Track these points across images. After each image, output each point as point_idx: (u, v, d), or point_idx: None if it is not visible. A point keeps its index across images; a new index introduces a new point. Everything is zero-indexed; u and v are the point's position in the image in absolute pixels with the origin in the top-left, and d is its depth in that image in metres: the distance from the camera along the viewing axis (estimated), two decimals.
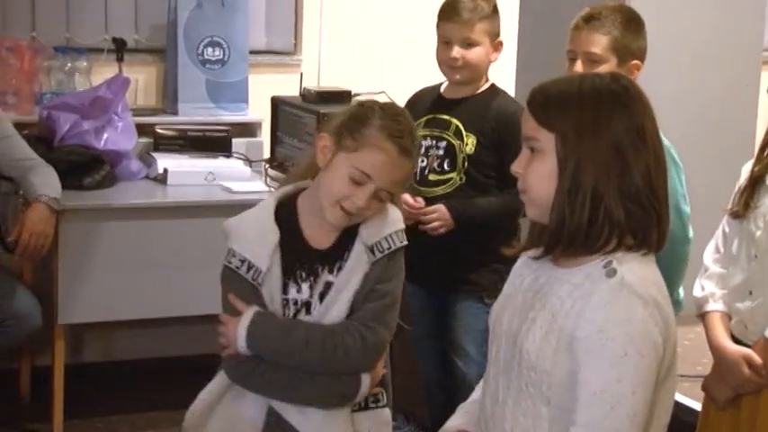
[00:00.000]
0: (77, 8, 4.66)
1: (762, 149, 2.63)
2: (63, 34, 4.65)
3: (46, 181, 3.81)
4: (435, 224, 3.32)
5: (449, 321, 3.46)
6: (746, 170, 2.65)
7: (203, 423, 2.41)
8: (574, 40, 2.96)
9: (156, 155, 4.40)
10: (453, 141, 3.37)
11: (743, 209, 2.60)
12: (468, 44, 3.35)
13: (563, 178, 1.85)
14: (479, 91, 3.42)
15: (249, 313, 2.32)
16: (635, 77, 2.86)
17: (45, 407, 4.07)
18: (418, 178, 3.39)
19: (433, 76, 3.49)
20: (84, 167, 4.12)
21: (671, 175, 2.57)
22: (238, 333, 2.31)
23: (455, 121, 3.38)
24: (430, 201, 3.36)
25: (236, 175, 4.30)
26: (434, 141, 3.39)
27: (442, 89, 3.49)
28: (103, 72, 4.54)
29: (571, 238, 1.85)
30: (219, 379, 2.41)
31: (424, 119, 3.42)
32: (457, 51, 3.35)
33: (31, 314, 3.89)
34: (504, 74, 3.89)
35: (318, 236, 2.37)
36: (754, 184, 2.60)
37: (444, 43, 3.39)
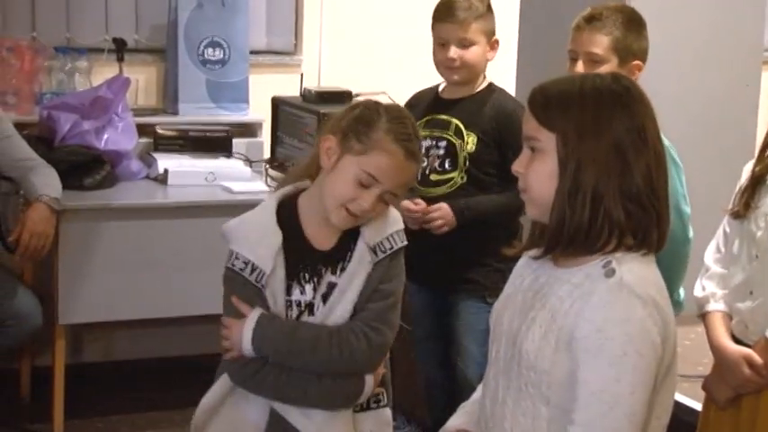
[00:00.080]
0: (78, 8, 4.67)
1: (762, 149, 2.63)
2: (63, 34, 4.65)
3: (46, 181, 3.81)
4: (438, 222, 3.31)
5: (450, 321, 3.46)
6: (747, 170, 2.65)
7: (206, 426, 2.40)
8: (575, 40, 2.96)
9: (156, 155, 4.41)
10: (454, 141, 3.37)
11: (744, 209, 2.60)
12: (465, 44, 3.35)
13: (563, 178, 1.85)
14: (478, 90, 3.42)
15: (254, 315, 2.30)
16: (636, 78, 2.86)
17: (45, 407, 4.07)
18: (419, 179, 3.39)
19: (433, 75, 3.49)
20: (84, 167, 4.12)
21: (671, 175, 2.56)
22: (243, 335, 2.29)
23: (455, 120, 3.38)
24: (431, 201, 3.35)
25: (237, 176, 4.30)
26: (434, 141, 3.39)
27: (440, 90, 3.49)
28: (104, 72, 4.54)
29: (571, 237, 1.85)
30: (222, 382, 2.40)
31: (424, 120, 3.42)
32: (454, 52, 3.35)
33: (31, 314, 3.89)
34: (504, 74, 3.89)
35: (320, 237, 2.37)
36: (754, 184, 2.60)
37: (440, 45, 3.39)
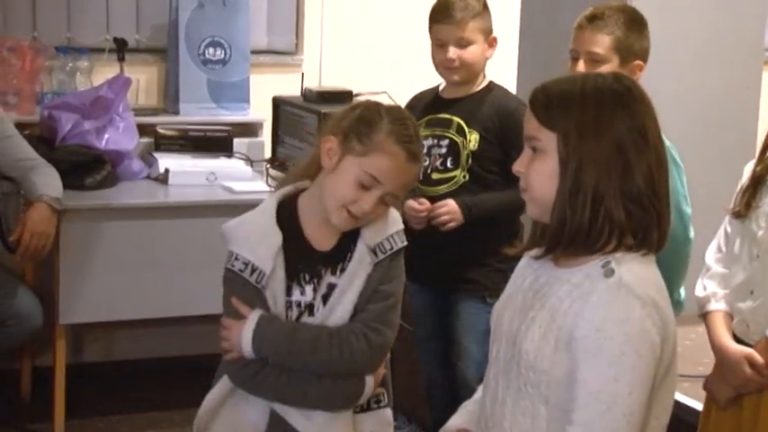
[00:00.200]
0: (78, 8, 4.67)
1: (763, 149, 2.63)
2: (64, 34, 4.66)
3: (47, 181, 3.81)
4: (445, 218, 3.31)
5: (450, 321, 3.46)
6: (748, 170, 2.65)
7: (207, 428, 2.40)
8: (577, 39, 2.96)
9: (157, 155, 4.41)
10: (456, 139, 3.37)
11: (745, 209, 2.60)
12: (463, 44, 3.35)
13: (564, 178, 1.85)
14: (479, 89, 3.43)
15: (254, 317, 2.30)
16: (637, 78, 2.85)
17: (46, 407, 4.07)
18: (421, 178, 3.39)
19: (434, 75, 3.49)
20: (85, 167, 4.12)
21: (672, 175, 2.56)
22: (243, 337, 2.29)
23: (456, 118, 3.38)
24: (434, 199, 3.36)
25: (238, 175, 4.30)
26: (436, 140, 3.39)
27: (440, 90, 3.49)
28: (105, 72, 4.54)
29: (572, 237, 1.85)
30: (222, 383, 2.39)
31: (425, 119, 3.42)
32: (453, 52, 3.35)
33: (32, 314, 3.89)
34: (505, 73, 3.89)
35: (320, 237, 2.36)
36: (755, 183, 2.60)
37: (439, 46, 3.39)
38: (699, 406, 2.85)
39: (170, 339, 4.68)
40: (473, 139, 3.36)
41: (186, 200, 4.11)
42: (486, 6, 3.40)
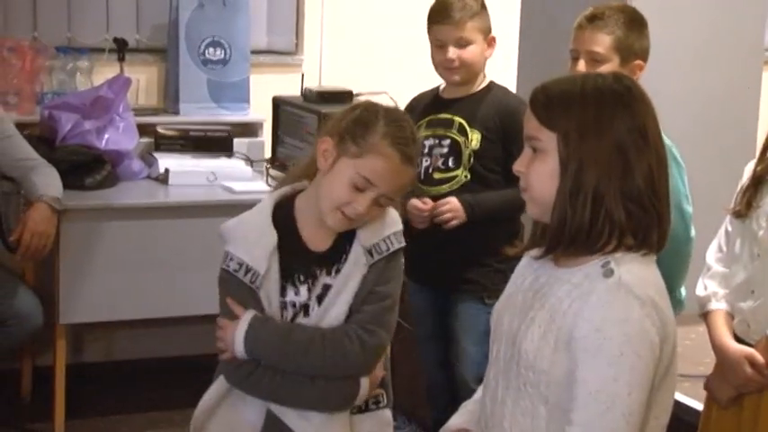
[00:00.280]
0: (79, 8, 4.67)
1: (764, 149, 2.63)
2: (64, 34, 4.66)
3: (47, 181, 3.81)
4: (447, 216, 3.31)
5: (450, 321, 3.46)
6: (749, 169, 2.65)
7: (204, 427, 2.40)
8: (577, 39, 2.96)
9: (157, 155, 4.41)
10: (458, 138, 3.37)
11: (745, 208, 2.61)
12: (462, 44, 3.35)
13: (565, 178, 1.85)
14: (479, 88, 3.43)
15: (247, 317, 2.30)
16: (638, 77, 2.85)
17: (46, 407, 4.07)
18: (422, 177, 3.40)
19: (434, 75, 3.49)
20: (85, 167, 4.12)
21: (673, 174, 2.56)
22: (236, 338, 2.29)
23: (458, 118, 3.38)
24: (436, 199, 3.36)
25: (238, 175, 4.30)
26: (438, 140, 3.39)
27: (440, 90, 3.49)
28: (105, 72, 4.54)
29: (572, 237, 1.85)
30: (219, 383, 2.40)
31: (425, 120, 3.43)
32: (452, 52, 3.35)
33: (32, 314, 3.89)
34: (505, 73, 3.89)
35: (316, 238, 2.36)
36: (756, 183, 2.60)
37: (438, 46, 3.39)
38: (699, 406, 2.85)
39: (170, 339, 4.68)
40: (475, 138, 3.36)
41: (186, 200, 4.11)
42: (484, 6, 3.41)
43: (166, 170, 4.26)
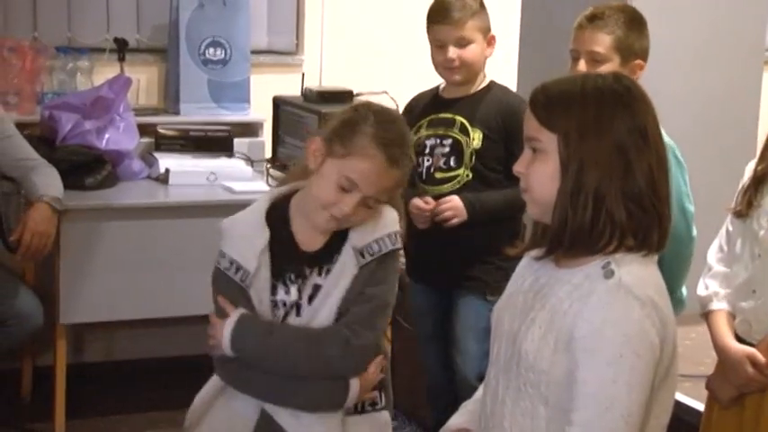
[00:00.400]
0: (79, 8, 4.67)
1: (765, 148, 2.63)
2: (65, 34, 4.65)
3: (48, 181, 3.81)
4: (448, 214, 3.31)
5: (451, 318, 3.46)
6: (750, 169, 2.65)
7: (200, 420, 2.42)
8: (577, 39, 2.96)
9: (157, 155, 4.41)
10: (460, 138, 3.37)
11: (746, 208, 2.61)
12: (463, 43, 3.35)
13: (565, 179, 1.85)
14: (480, 87, 3.43)
15: (234, 316, 2.32)
16: (638, 77, 2.86)
17: (46, 406, 4.07)
18: (424, 177, 3.40)
19: (434, 75, 3.49)
20: (85, 167, 4.12)
21: (674, 174, 2.57)
22: (223, 335, 2.31)
23: (459, 117, 3.38)
24: (437, 198, 3.36)
25: (238, 175, 4.30)
26: (439, 140, 3.39)
27: (440, 90, 3.49)
28: (105, 72, 4.54)
29: (573, 238, 1.85)
30: (215, 379, 2.42)
31: (426, 120, 3.43)
32: (452, 52, 3.35)
33: (32, 314, 3.89)
34: (505, 73, 3.89)
35: (309, 238, 2.36)
36: (757, 183, 2.60)
37: (438, 46, 3.38)
38: (699, 406, 2.85)
39: (170, 339, 4.68)
40: (476, 137, 3.36)
41: (186, 200, 4.11)
42: (483, 5, 3.40)
43: (167, 170, 4.26)
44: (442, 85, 3.49)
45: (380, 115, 2.34)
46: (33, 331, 3.92)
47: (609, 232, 1.84)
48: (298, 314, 2.34)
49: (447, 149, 3.38)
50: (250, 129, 4.75)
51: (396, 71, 4.89)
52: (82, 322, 4.20)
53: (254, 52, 4.81)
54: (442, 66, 3.40)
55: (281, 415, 2.33)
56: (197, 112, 4.64)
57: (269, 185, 4.20)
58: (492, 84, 3.45)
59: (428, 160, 3.39)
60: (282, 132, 4.57)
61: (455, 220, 3.31)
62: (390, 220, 2.38)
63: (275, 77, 4.86)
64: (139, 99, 4.69)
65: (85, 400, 4.28)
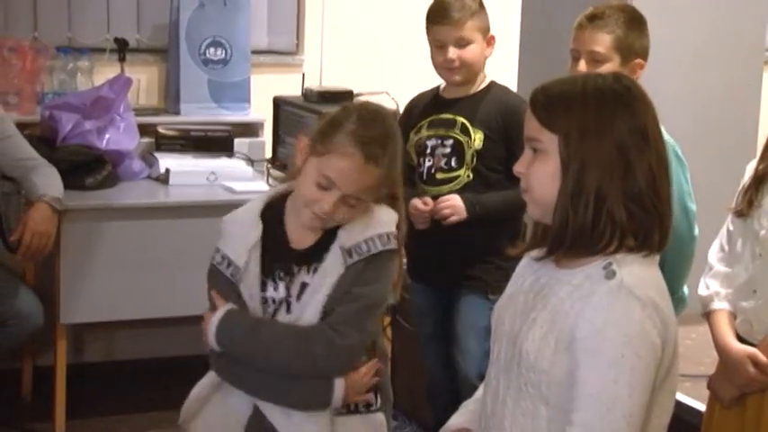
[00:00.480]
0: (79, 8, 4.67)
1: (765, 148, 2.63)
2: (65, 34, 4.66)
3: (48, 181, 3.81)
4: (447, 212, 3.31)
5: (452, 317, 3.46)
6: (750, 169, 2.65)
7: (197, 414, 2.44)
8: (577, 38, 2.96)
9: (158, 155, 4.41)
10: (461, 138, 3.37)
11: (747, 207, 2.60)
12: (462, 44, 3.35)
13: (566, 179, 1.84)
14: (480, 88, 3.43)
15: (221, 311, 2.35)
16: (638, 77, 2.86)
17: (47, 406, 4.07)
18: (425, 178, 3.40)
19: (434, 75, 3.49)
20: (86, 167, 4.12)
21: (676, 172, 2.56)
22: (210, 330, 2.35)
23: (460, 118, 3.38)
24: (437, 199, 3.36)
25: (238, 175, 4.30)
26: (440, 140, 3.39)
27: (440, 90, 3.49)
28: (105, 72, 4.54)
29: (574, 239, 1.85)
30: (212, 373, 2.45)
31: (427, 120, 3.43)
32: (453, 52, 3.35)
33: (32, 314, 3.89)
34: (505, 73, 3.89)
35: (300, 236, 2.37)
36: (758, 182, 2.60)
37: (438, 47, 3.38)
38: (699, 405, 2.85)
39: (170, 339, 4.68)
40: (478, 138, 3.36)
41: (187, 200, 4.11)
42: (482, 5, 3.40)
43: (167, 170, 4.26)
44: (443, 86, 3.49)
45: (364, 114, 2.34)
46: (33, 331, 3.92)
47: (610, 233, 1.84)
48: (288, 311, 2.35)
49: (448, 150, 3.39)
50: (250, 129, 4.75)
51: (396, 71, 4.89)
52: (82, 322, 4.20)
53: (254, 52, 4.81)
54: (441, 66, 3.40)
55: (273, 412, 2.34)
56: (197, 112, 4.64)
57: (269, 185, 4.20)
58: (492, 84, 3.45)
59: (429, 161, 3.40)
60: (283, 132, 4.57)
61: (454, 218, 3.31)
62: (385, 221, 2.37)
63: (275, 77, 4.86)
64: (140, 99, 4.69)
65: (85, 400, 4.28)
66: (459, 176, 3.38)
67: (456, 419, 2.11)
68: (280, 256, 2.36)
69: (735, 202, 2.66)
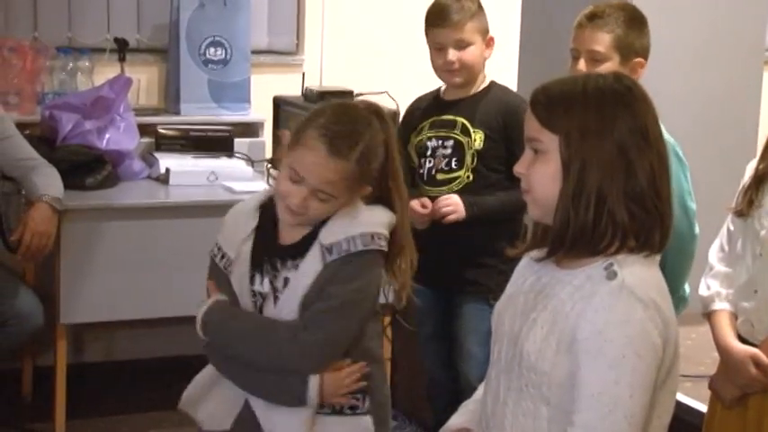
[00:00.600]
0: (79, 8, 4.67)
1: (766, 148, 2.63)
2: (65, 34, 4.66)
3: (48, 181, 3.81)
4: (447, 210, 3.31)
5: (453, 322, 3.46)
6: (751, 168, 2.64)
7: (201, 399, 2.46)
8: (577, 38, 2.96)
9: (158, 155, 4.41)
10: (461, 139, 3.37)
11: (747, 207, 2.60)
12: (462, 46, 3.34)
13: (567, 180, 1.84)
14: (480, 88, 3.43)
15: (210, 300, 2.39)
16: (638, 76, 2.85)
17: (47, 406, 4.07)
18: (425, 178, 3.40)
19: (434, 75, 3.49)
20: (86, 167, 4.12)
21: (676, 172, 2.56)
22: (197, 319, 2.39)
23: (460, 119, 3.38)
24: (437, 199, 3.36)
25: (238, 175, 4.30)
26: (441, 141, 3.40)
27: (441, 92, 3.49)
28: (106, 72, 4.54)
29: (575, 239, 1.85)
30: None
31: (428, 122, 3.43)
32: (452, 55, 3.34)
33: (33, 314, 3.89)
34: (505, 73, 3.89)
35: (290, 232, 2.39)
36: (758, 182, 2.60)
37: (438, 49, 3.38)
38: (699, 405, 2.84)
39: (170, 339, 4.68)
40: (478, 138, 3.36)
41: (187, 200, 4.11)
42: (480, 6, 3.40)
43: (167, 170, 4.26)
44: (443, 88, 3.49)
45: (336, 109, 2.37)
46: (33, 331, 3.92)
47: (611, 233, 1.84)
48: (274, 305, 2.37)
49: (449, 151, 3.39)
50: (250, 129, 4.75)
51: (396, 71, 4.89)
52: (82, 322, 4.20)
53: (254, 52, 4.81)
54: (441, 69, 3.40)
55: (257, 403, 2.37)
56: (197, 112, 4.64)
57: (269, 186, 4.20)
58: (492, 84, 3.45)
59: (430, 162, 3.40)
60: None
61: (453, 216, 3.31)
62: (372, 222, 2.36)
63: (276, 77, 4.86)
64: (140, 99, 4.69)
65: (86, 400, 4.28)
66: (459, 177, 3.38)
67: (456, 419, 2.11)
68: (268, 251, 2.38)
69: (735, 201, 2.66)
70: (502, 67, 3.79)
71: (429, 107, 3.48)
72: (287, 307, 2.34)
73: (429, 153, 3.40)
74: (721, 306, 2.65)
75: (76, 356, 4.53)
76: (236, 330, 2.36)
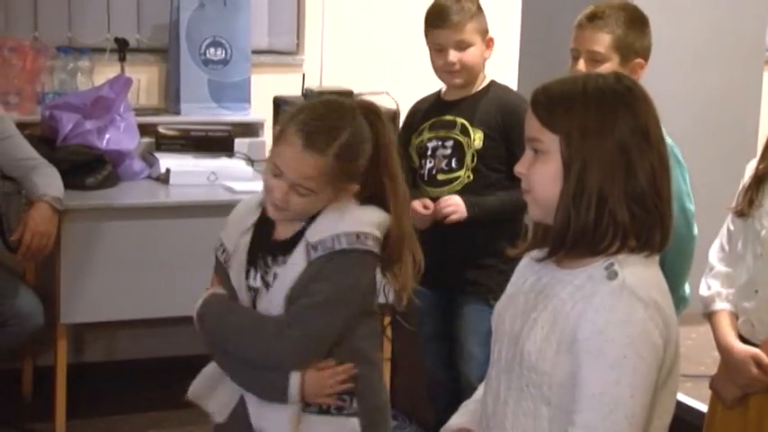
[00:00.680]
0: (79, 8, 4.67)
1: (766, 148, 2.63)
2: (65, 34, 4.66)
3: (48, 181, 3.81)
4: (448, 210, 3.31)
5: (454, 323, 3.46)
6: (751, 168, 2.64)
7: (211, 391, 2.47)
8: (577, 38, 2.96)
9: (158, 155, 4.41)
10: (461, 139, 3.37)
11: (747, 207, 2.60)
12: (462, 46, 3.34)
13: (568, 180, 1.84)
14: (480, 88, 3.43)
15: (207, 294, 2.43)
16: (639, 77, 2.85)
17: (47, 406, 4.07)
18: (426, 179, 3.40)
19: (435, 76, 3.49)
20: (86, 167, 4.12)
21: (675, 174, 2.56)
22: (195, 311, 2.42)
23: (460, 119, 3.39)
24: (437, 200, 3.36)
25: (239, 175, 4.30)
26: (441, 142, 3.40)
27: (442, 93, 3.49)
28: (106, 72, 4.55)
29: (576, 239, 1.85)
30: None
31: (429, 122, 3.43)
32: (453, 55, 3.34)
33: (33, 314, 3.89)
34: (505, 73, 3.89)
35: (284, 228, 2.40)
36: (758, 182, 2.60)
37: (438, 50, 3.38)
38: (700, 406, 2.84)
39: (170, 339, 4.68)
40: (477, 137, 3.36)
41: (187, 200, 4.11)
42: (480, 7, 3.40)
43: (167, 170, 4.26)
44: (444, 89, 3.49)
45: (319, 105, 2.40)
46: (34, 331, 3.92)
47: (612, 233, 1.84)
48: (266, 300, 2.38)
49: (449, 151, 3.39)
50: (251, 129, 4.75)
51: (396, 71, 4.89)
52: (82, 322, 4.21)
53: (254, 52, 4.81)
54: (442, 70, 3.40)
55: (251, 402, 2.39)
56: (197, 112, 4.64)
57: None
58: (492, 83, 3.45)
59: (430, 162, 3.40)
60: None
61: (455, 217, 3.31)
62: (362, 221, 2.35)
63: (276, 77, 4.86)
64: (140, 99, 4.69)
65: (86, 400, 4.28)
66: (459, 177, 3.38)
67: (456, 419, 2.11)
68: (262, 247, 2.39)
69: (735, 201, 2.66)
70: (502, 67, 3.79)
71: (430, 108, 3.48)
72: (275, 302, 2.35)
73: (429, 153, 3.40)
74: (722, 306, 2.65)
75: (77, 356, 4.53)
76: (231, 325, 2.38)
